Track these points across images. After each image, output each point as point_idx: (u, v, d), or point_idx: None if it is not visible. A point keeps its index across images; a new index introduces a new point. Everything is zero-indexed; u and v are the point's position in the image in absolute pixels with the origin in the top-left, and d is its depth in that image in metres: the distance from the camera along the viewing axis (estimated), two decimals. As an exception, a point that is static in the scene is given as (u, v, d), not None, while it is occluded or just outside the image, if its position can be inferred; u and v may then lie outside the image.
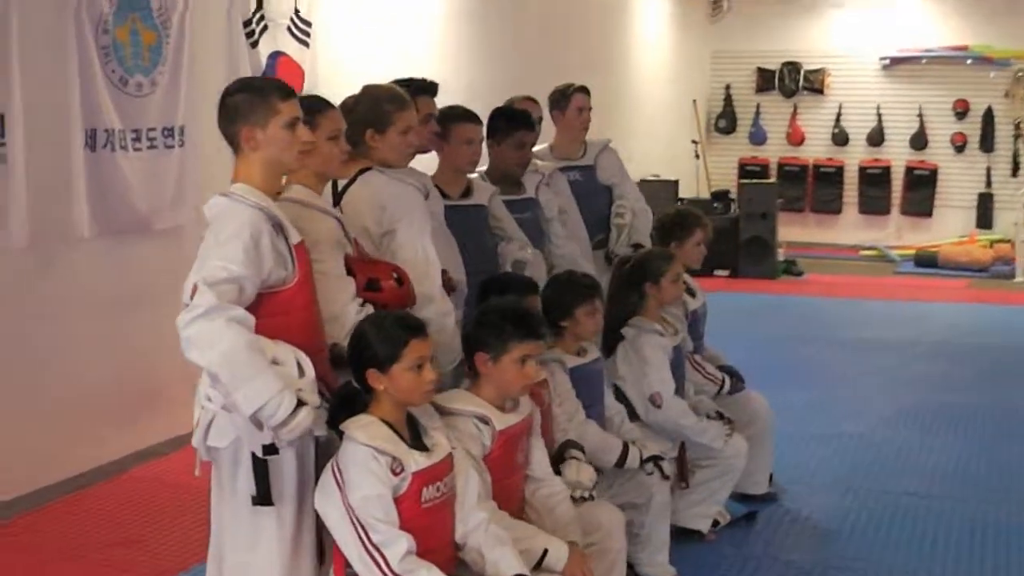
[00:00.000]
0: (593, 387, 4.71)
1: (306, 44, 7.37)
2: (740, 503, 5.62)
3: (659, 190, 12.89)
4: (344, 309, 3.58)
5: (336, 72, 7.49)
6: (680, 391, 5.09)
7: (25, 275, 5.57)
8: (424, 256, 4.02)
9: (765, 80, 15.11)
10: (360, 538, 3.22)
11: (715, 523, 5.28)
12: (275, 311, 3.32)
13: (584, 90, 6.18)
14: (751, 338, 9.24)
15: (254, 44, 6.94)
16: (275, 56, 7.12)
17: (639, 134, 13.16)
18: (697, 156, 14.55)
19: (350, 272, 3.69)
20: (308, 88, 7.41)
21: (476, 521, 3.44)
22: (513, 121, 5.31)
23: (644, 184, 12.76)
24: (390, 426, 3.34)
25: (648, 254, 5.22)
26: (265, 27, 7.03)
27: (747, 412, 5.61)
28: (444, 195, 4.89)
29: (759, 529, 5.43)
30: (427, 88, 4.71)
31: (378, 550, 3.21)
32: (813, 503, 5.77)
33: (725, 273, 12.61)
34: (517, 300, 4.01)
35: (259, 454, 3.22)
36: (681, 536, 5.13)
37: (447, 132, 4.89)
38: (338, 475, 3.27)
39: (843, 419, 7.24)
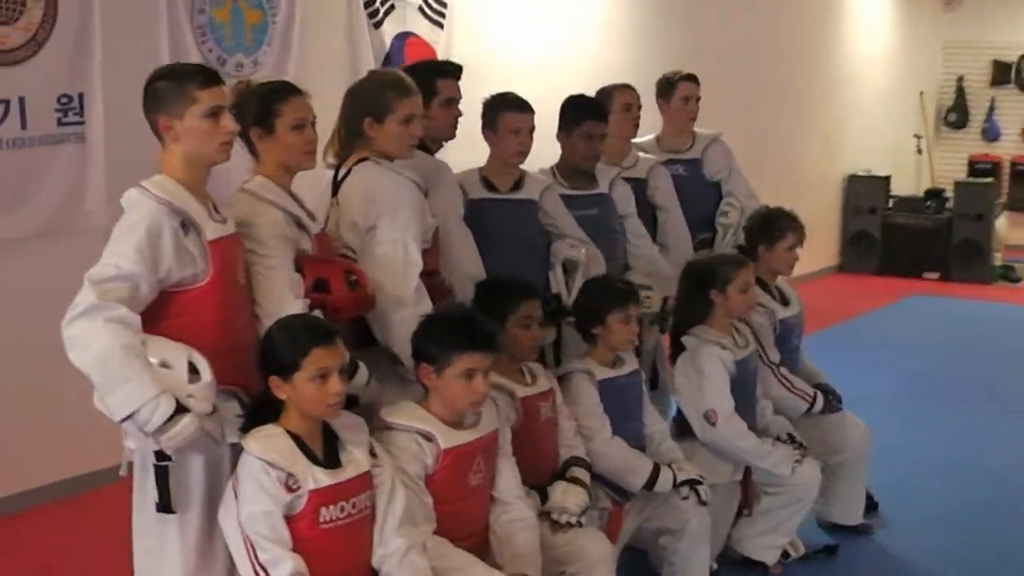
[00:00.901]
0: (628, 401, 4.34)
1: (439, 25, 7.16)
2: (829, 533, 5.11)
3: (867, 186, 12.19)
4: (280, 308, 3.33)
5: (475, 55, 7.23)
6: (746, 410, 4.62)
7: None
8: (403, 255, 3.72)
9: (1001, 73, 13.91)
10: (248, 555, 3.00)
11: (785, 555, 4.79)
12: (184, 310, 3.14)
13: (691, 78, 5.73)
14: (944, 345, 8.57)
15: (377, 24, 6.78)
16: (403, 37, 6.93)
17: (854, 127, 12.36)
18: (919, 151, 13.56)
19: (300, 270, 3.46)
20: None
21: (393, 547, 3.16)
22: (581, 111, 4.94)
23: (852, 180, 12.13)
24: (296, 438, 3.10)
25: (717, 258, 4.78)
26: (392, 6, 6.86)
27: (839, 436, 5.10)
28: (492, 188, 4.60)
29: (837, 566, 4.90)
30: (448, 70, 4.41)
31: (264, 570, 2.98)
32: (913, 540, 5.16)
33: (935, 276, 11.73)
34: (465, 307, 3.66)
35: (153, 460, 3.05)
36: (745, 567, 4.70)
37: (494, 121, 4.60)
38: (236, 488, 3.06)
39: (989, 449, 6.48)
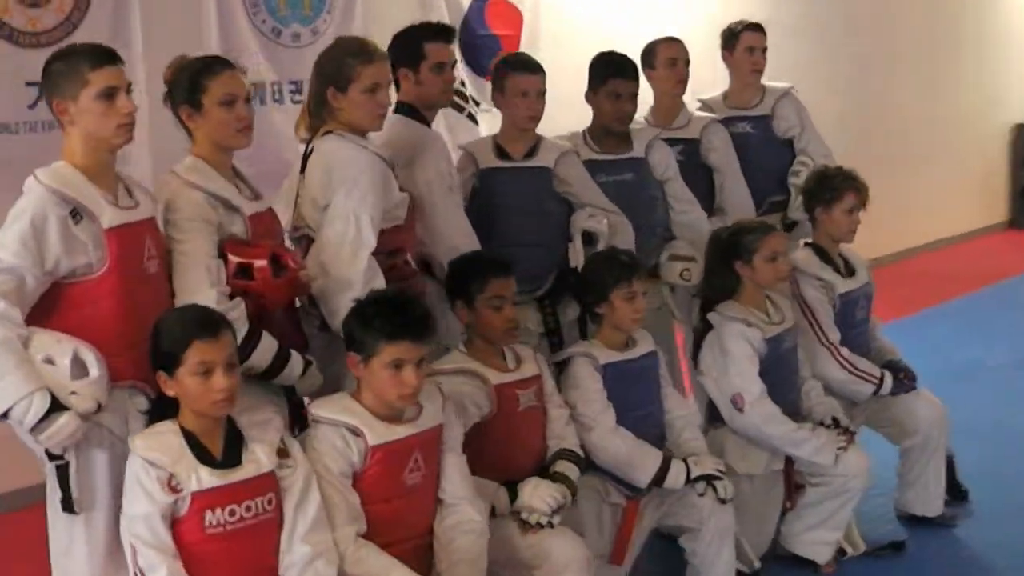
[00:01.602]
0: (642, 386, 3.98)
1: (528, -14, 6.85)
2: (905, 526, 4.62)
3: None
4: (192, 298, 3.15)
5: (566, 17, 6.90)
6: (783, 393, 4.19)
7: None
8: (355, 234, 3.47)
9: None
10: (132, 558, 2.84)
11: (842, 552, 4.34)
12: (80, 302, 3.00)
13: (756, 27, 5.27)
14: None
15: (454, -14, 6.53)
16: (483, 0, 6.66)
17: (1020, 72, 11.39)
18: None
19: (224, 256, 3.27)
20: (528, 38, 6.92)
21: (298, 555, 2.94)
22: (606, 67, 4.57)
23: (1021, 129, 11.14)
24: (191, 436, 2.90)
25: (741, 226, 4.33)
26: (472, -34, 6.60)
27: (912, 418, 4.61)
28: (505, 155, 4.31)
29: (902, 565, 4.40)
30: (436, 32, 4.12)
31: (143, 574, 2.80)
32: (999, 533, 4.61)
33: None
34: (398, 291, 3.36)
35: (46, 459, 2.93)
36: (795, 565, 4.29)
37: (502, 84, 4.32)
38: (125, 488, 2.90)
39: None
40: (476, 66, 6.70)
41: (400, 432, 3.16)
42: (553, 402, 3.76)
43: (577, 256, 4.27)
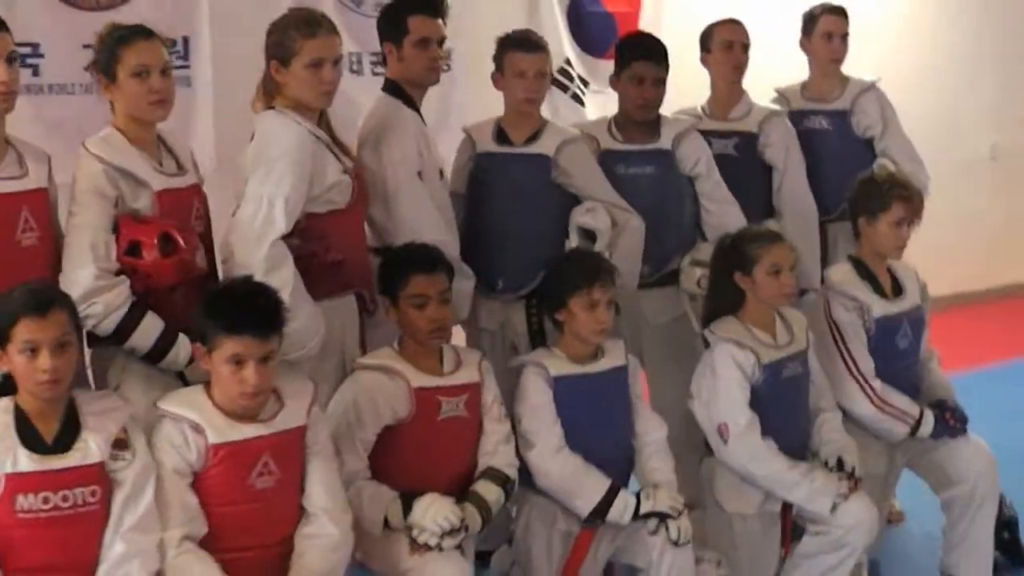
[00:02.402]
0: (602, 405, 3.59)
1: (645, -25, 6.42)
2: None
3: None
4: (73, 271, 3.05)
5: (692, 18, 6.35)
6: (784, 427, 3.71)
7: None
8: (264, 218, 3.25)
9: None
10: None
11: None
12: None
13: (836, 10, 4.71)
14: None
15: (563, -28, 6.18)
16: (596, -12, 6.29)
17: None
18: None
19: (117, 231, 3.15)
20: (650, 16, 6.49)
21: (114, 553, 2.77)
22: (631, 50, 4.18)
23: None
24: (23, 416, 2.77)
25: (743, 234, 3.85)
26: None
27: (955, 465, 4.02)
28: (505, 140, 4.00)
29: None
30: (420, 5, 3.82)
31: None
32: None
33: None
34: (249, 282, 3.09)
35: None
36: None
37: (500, 62, 4.01)
38: None
39: None
40: (585, 44, 6.34)
41: (247, 432, 2.93)
42: (491, 415, 3.44)
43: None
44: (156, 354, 3.15)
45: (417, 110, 3.87)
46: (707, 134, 4.53)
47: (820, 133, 4.68)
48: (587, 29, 6.26)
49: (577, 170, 3.99)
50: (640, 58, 4.11)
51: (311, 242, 3.38)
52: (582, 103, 6.34)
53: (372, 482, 3.26)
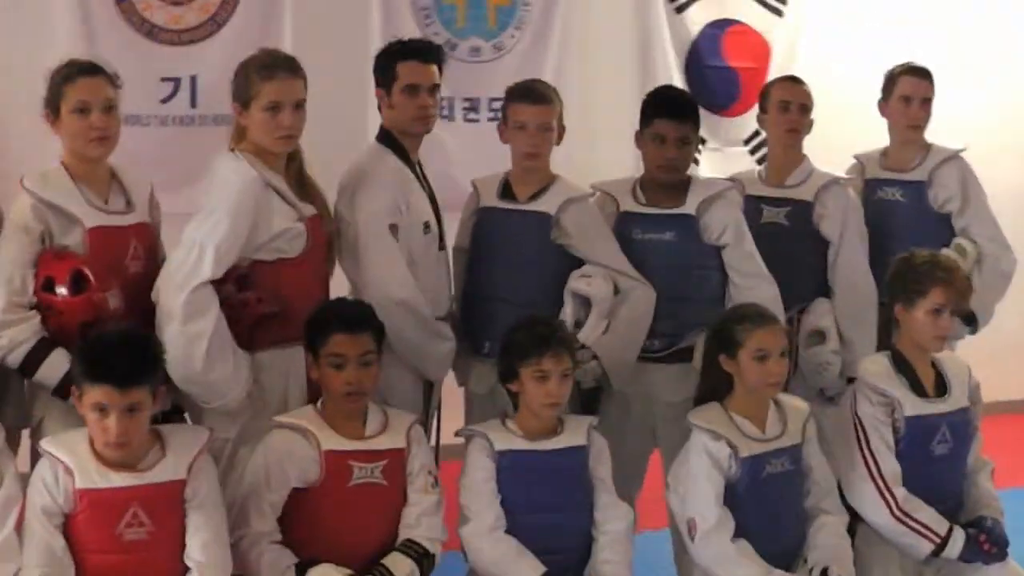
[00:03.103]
0: (552, 487, 3.30)
1: (778, 12, 6.00)
2: None
3: None
4: None
5: (827, 56, 5.94)
6: (766, 529, 3.31)
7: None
8: (192, 264, 3.17)
9: None
10: None
11: None
12: None
13: (917, 71, 4.24)
14: None
15: (681, 8, 5.84)
16: (721, 25, 5.90)
17: None
18: None
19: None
20: (780, 68, 6.06)
21: None
22: (654, 106, 3.85)
23: None
24: None
25: (731, 313, 3.47)
26: (705, -12, 5.89)
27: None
28: (510, 196, 3.78)
29: None
30: (411, 51, 3.66)
31: None
32: None
33: None
34: (124, 330, 2.94)
35: None
36: None
37: (504, 114, 3.79)
38: None
39: None
40: (705, 101, 5.96)
41: (116, 480, 2.83)
42: (416, 484, 3.21)
43: (567, 322, 3.62)
44: (63, 390, 3.07)
45: (408, 160, 3.67)
46: (758, 200, 4.18)
47: (892, 205, 4.24)
48: (707, 85, 5.88)
49: (579, 231, 3.70)
50: (662, 115, 3.78)
51: (245, 291, 3.25)
52: (696, 162, 5.96)
53: (276, 547, 3.08)
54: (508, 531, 3.21)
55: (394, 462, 3.17)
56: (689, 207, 3.82)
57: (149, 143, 5.04)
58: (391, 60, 3.65)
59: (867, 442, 3.50)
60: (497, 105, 5.50)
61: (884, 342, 3.99)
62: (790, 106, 4.13)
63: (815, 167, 4.19)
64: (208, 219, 3.22)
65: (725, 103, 5.91)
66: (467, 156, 5.50)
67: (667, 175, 3.82)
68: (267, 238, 3.29)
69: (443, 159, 5.37)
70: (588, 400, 3.78)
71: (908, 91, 4.23)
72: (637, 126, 5.84)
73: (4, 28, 4.86)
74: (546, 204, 3.71)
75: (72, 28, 4.91)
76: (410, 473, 3.20)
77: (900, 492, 3.44)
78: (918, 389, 3.53)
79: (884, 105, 4.31)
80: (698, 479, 3.30)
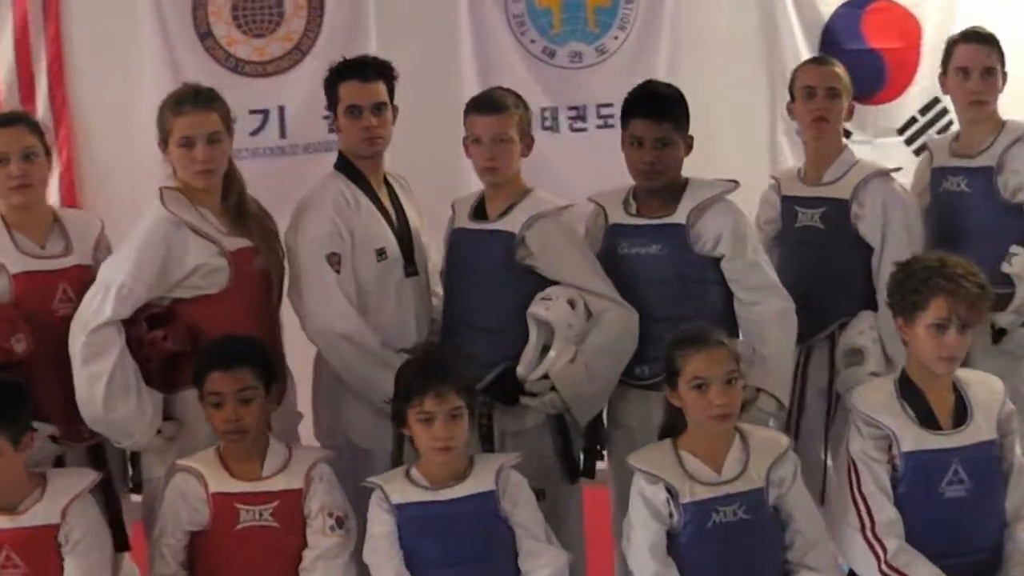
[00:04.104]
0: (459, 539, 2.98)
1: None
2: None
3: None
4: None
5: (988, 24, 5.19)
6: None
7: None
8: (97, 303, 3.16)
9: None
10: None
11: None
12: None
13: (974, 37, 3.59)
14: None
15: (811, -13, 5.29)
16: (861, 3, 5.29)
17: None
18: None
19: None
20: (933, 48, 5.36)
21: None
22: (629, 104, 3.46)
23: None
24: None
25: (672, 339, 3.01)
26: (847, -33, 5.30)
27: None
28: (481, 215, 3.51)
29: None
30: (349, 71, 3.48)
31: None
32: None
33: None
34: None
35: None
36: None
37: (465, 126, 3.49)
38: None
39: None
40: (846, 89, 5.39)
41: None
42: (314, 526, 3.01)
43: (528, 350, 3.30)
44: None
45: (365, 184, 3.47)
46: (791, 201, 3.68)
47: (957, 197, 3.63)
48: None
49: (543, 249, 3.36)
50: (636, 115, 3.39)
51: (156, 330, 3.17)
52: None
53: None
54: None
55: (288, 503, 3.00)
56: (679, 215, 3.39)
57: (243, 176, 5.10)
58: (333, 82, 3.49)
59: (858, 484, 2.97)
60: (606, 112, 5.28)
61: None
62: (816, 92, 3.61)
63: (859, 159, 3.63)
64: (115, 260, 3.22)
65: (870, 90, 5.26)
66: (575, 169, 5.21)
67: (647, 181, 3.41)
68: (181, 275, 3.22)
69: (549, 174, 5.07)
70: (591, 433, 3.47)
71: (965, 61, 3.58)
72: (767, 124, 5.45)
73: (93, 67, 5.02)
74: (511, 222, 3.39)
75: (158, 67, 5.00)
76: (308, 514, 3.02)
77: (892, 544, 2.90)
78: (927, 419, 2.96)
79: (944, 79, 3.67)
80: (635, 527, 2.92)
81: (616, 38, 5.26)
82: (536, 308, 3.29)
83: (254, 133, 5.13)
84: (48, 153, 3.37)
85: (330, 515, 3.02)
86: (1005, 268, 3.46)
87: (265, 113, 5.15)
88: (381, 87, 3.45)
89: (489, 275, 3.41)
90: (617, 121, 5.18)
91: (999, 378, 3.09)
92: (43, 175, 3.34)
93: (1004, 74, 3.64)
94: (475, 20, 5.18)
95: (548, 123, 5.29)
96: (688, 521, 2.87)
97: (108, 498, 3.25)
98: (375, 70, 3.47)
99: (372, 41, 5.12)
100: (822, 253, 3.57)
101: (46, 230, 3.34)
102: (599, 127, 5.30)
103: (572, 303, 3.30)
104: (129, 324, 3.16)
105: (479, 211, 3.49)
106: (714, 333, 2.98)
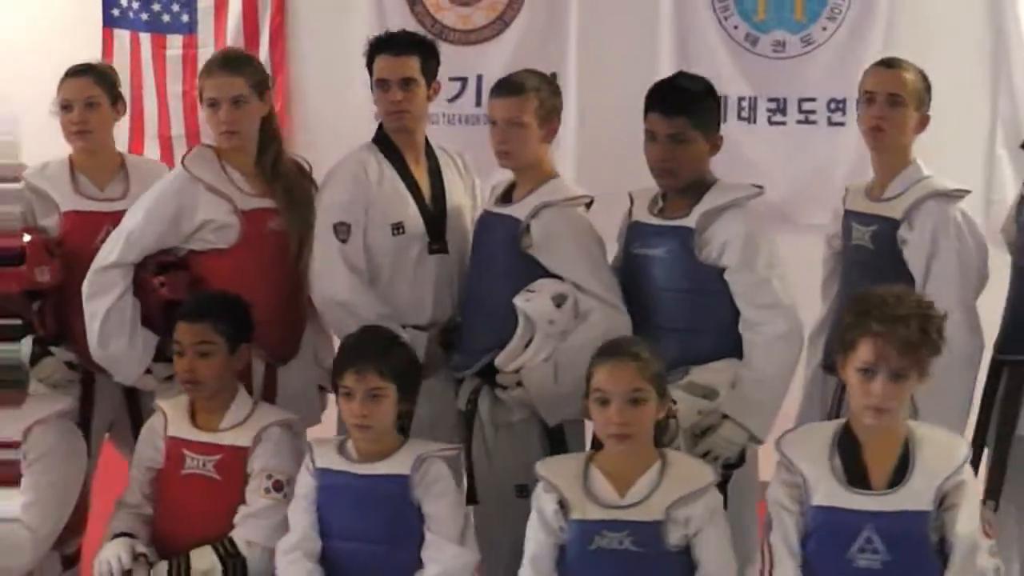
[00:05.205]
0: (367, 513, 3.01)
1: None
2: None
3: None
4: None
5: None
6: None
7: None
8: (108, 248, 3.42)
9: None
10: None
11: None
12: None
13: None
14: None
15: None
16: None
17: None
18: None
19: None
20: None
21: None
22: (649, 97, 3.26)
23: None
24: None
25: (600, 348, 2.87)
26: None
27: None
28: (508, 199, 3.48)
29: None
30: (380, 44, 3.51)
31: None
32: None
33: None
34: None
35: None
36: None
37: None
38: None
39: None
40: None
41: None
42: (252, 485, 3.14)
43: (514, 341, 3.26)
44: None
45: (399, 159, 3.52)
46: (851, 216, 3.39)
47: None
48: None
49: (544, 239, 3.27)
50: (650, 109, 3.20)
51: (158, 276, 3.40)
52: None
53: (120, 514, 3.22)
54: (326, 557, 3.00)
55: (231, 458, 3.14)
56: (692, 219, 3.19)
57: (438, 141, 5.27)
58: (370, 56, 3.52)
59: (769, 531, 2.72)
60: (808, 107, 5.00)
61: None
62: (875, 98, 3.26)
63: (928, 176, 3.24)
64: (133, 210, 3.45)
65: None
66: (772, 163, 5.01)
67: (661, 179, 3.23)
68: (191, 229, 3.41)
69: (743, 167, 4.91)
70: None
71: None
72: (985, 134, 4.91)
73: (311, 25, 5.38)
74: (520, 209, 3.33)
75: (369, 28, 5.23)
76: (249, 473, 3.14)
77: None
78: (855, 475, 2.65)
79: None
80: (528, 541, 2.83)
81: (824, 29, 4.94)
82: (518, 299, 3.23)
83: (452, 100, 5.27)
84: (116, 102, 3.67)
85: (269, 477, 3.13)
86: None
87: (463, 81, 5.28)
88: (411, 62, 3.45)
89: (493, 259, 3.37)
90: (821, 118, 5.04)
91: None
92: (105, 122, 3.63)
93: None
94: (678, 2, 5.03)
95: (745, 113, 5.06)
96: (573, 539, 2.75)
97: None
98: (407, 45, 3.48)
99: (573, 17, 5.13)
100: (870, 273, 3.22)
101: (110, 174, 3.65)
102: (799, 122, 5.04)
103: (559, 298, 3.21)
104: (140, 268, 3.40)
105: (507, 194, 3.45)
106: (634, 346, 2.82)
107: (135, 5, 5.48)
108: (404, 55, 3.46)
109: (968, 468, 2.67)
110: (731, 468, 3.09)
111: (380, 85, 3.47)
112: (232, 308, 3.24)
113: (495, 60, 5.19)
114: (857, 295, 2.72)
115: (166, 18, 5.47)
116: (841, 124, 4.96)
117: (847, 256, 3.39)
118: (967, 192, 3.28)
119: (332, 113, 5.29)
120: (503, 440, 3.32)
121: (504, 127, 3.31)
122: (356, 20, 5.27)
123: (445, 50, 5.13)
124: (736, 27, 5.00)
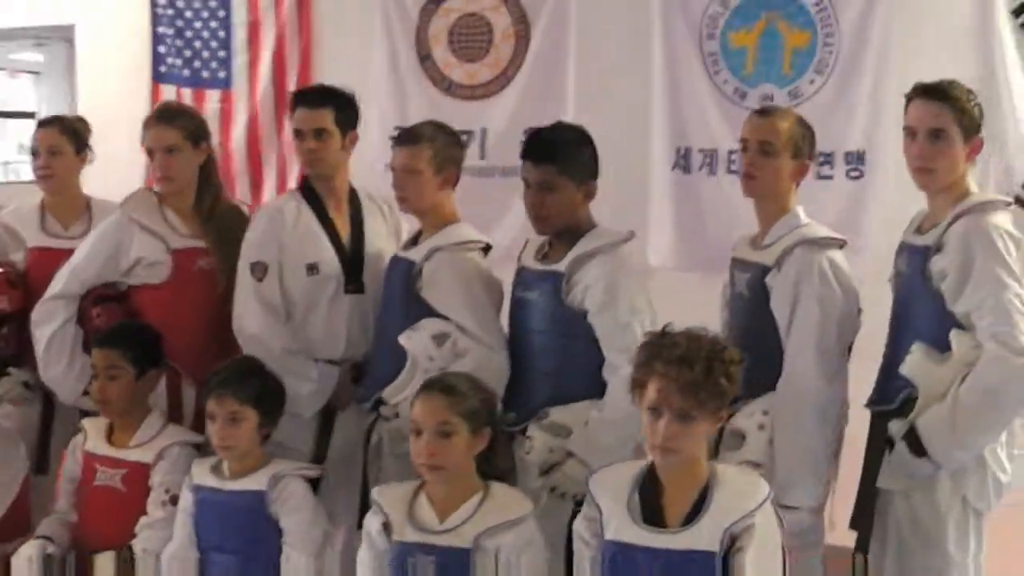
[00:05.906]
0: (231, 527, 3.28)
1: None
2: None
3: None
4: None
5: None
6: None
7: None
8: (57, 277, 3.77)
9: None
10: None
11: None
12: None
13: (921, 91, 3.17)
14: None
15: (1030, 22, 4.62)
16: None
17: None
18: None
19: None
20: None
21: None
22: (522, 148, 3.40)
23: None
24: None
25: None
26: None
27: None
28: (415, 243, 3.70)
29: None
30: (299, 98, 3.80)
31: None
32: None
33: None
34: None
35: None
36: None
37: None
38: None
39: None
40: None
41: None
42: (151, 498, 3.42)
43: (402, 375, 3.44)
44: None
45: (318, 203, 3.74)
46: (733, 264, 3.43)
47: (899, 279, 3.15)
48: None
49: (433, 281, 3.46)
50: (522, 156, 3.37)
51: (96, 307, 3.72)
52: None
53: (51, 519, 3.52)
54: (201, 566, 3.24)
55: (136, 473, 3.44)
56: (563, 263, 3.32)
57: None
58: (291, 108, 3.78)
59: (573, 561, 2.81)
60: None
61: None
62: (748, 144, 3.30)
63: (803, 223, 3.27)
64: (80, 246, 3.80)
65: None
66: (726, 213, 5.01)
67: (535, 225, 3.39)
68: (128, 265, 3.73)
69: (735, 218, 4.98)
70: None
71: (911, 121, 3.17)
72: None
73: (333, 73, 5.59)
74: (417, 252, 3.52)
75: (383, 83, 5.54)
76: (151, 486, 3.41)
77: None
78: (651, 513, 2.71)
79: None
80: (358, 557, 2.99)
81: (812, 82, 4.95)
82: (402, 337, 3.41)
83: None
84: (81, 151, 4.03)
85: (166, 491, 3.40)
86: (901, 369, 2.98)
87: (469, 134, 5.47)
88: (325, 113, 3.65)
89: (392, 298, 3.57)
90: (810, 171, 5.05)
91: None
92: (68, 168, 4.01)
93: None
94: (669, 58, 5.13)
95: (735, 167, 5.10)
96: (392, 560, 2.90)
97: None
98: (321, 98, 3.70)
99: (571, 70, 5.29)
100: (745, 322, 3.30)
101: (75, 215, 4.03)
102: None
103: (441, 337, 3.37)
104: (83, 299, 3.74)
105: (417, 237, 3.63)
106: (452, 381, 2.95)
107: (178, 62, 5.91)
108: (318, 108, 3.68)
109: (768, 512, 2.68)
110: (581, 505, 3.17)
111: (296, 135, 3.72)
112: (141, 336, 3.54)
113: (498, 114, 5.41)
114: (652, 336, 2.77)
115: (205, 74, 5.90)
116: (829, 178, 4.94)
117: (732, 305, 3.44)
118: (840, 240, 3.27)
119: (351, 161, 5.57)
120: (393, 467, 3.47)
121: (400, 174, 3.52)
122: (373, 77, 5.56)
123: (452, 105, 5.50)
124: (725, 81, 5.06)
